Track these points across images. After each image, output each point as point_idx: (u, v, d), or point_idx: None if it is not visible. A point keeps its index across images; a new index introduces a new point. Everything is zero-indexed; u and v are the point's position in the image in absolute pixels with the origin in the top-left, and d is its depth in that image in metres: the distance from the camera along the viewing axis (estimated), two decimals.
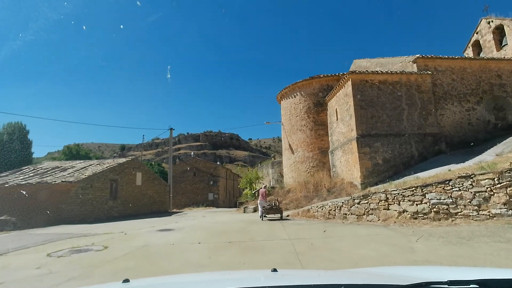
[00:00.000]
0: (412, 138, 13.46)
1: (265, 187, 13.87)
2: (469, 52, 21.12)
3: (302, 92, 18.78)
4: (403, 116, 13.69)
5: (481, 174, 6.85)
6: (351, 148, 13.62)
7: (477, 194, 6.85)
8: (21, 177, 16.94)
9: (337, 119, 15.82)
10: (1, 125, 30.56)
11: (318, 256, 5.17)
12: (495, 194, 6.63)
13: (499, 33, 18.69)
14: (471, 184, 6.93)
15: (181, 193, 37.14)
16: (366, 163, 12.96)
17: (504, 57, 16.55)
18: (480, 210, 6.78)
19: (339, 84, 14.99)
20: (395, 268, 2.08)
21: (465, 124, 14.54)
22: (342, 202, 9.76)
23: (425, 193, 7.62)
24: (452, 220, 7.09)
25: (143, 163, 24.47)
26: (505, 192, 6.48)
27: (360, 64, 19.96)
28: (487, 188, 6.74)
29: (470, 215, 6.89)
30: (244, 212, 17.57)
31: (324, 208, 10.55)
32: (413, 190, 7.84)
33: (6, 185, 15.23)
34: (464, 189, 7.04)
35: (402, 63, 15.93)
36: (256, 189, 21.07)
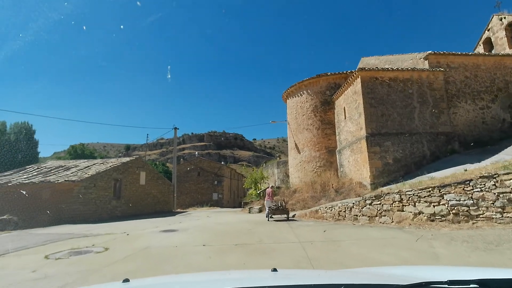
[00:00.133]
0: (424, 137, 12.97)
1: (271, 187, 13.48)
2: (480, 50, 20.47)
3: (308, 91, 18.37)
4: (414, 115, 13.20)
5: (506, 174, 6.39)
6: (360, 147, 13.18)
7: (501, 195, 6.39)
8: (25, 176, 16.80)
9: (345, 118, 15.38)
10: (8, 125, 30.80)
11: (333, 261, 4.79)
12: None
13: None
14: (494, 185, 6.48)
15: (185, 193, 36.93)
16: (376, 162, 12.50)
17: None
18: (504, 213, 6.32)
19: (348, 82, 14.56)
20: (395, 268, 2.04)
21: (479, 123, 14.01)
22: (353, 203, 9.34)
23: (443, 194, 7.17)
24: (473, 223, 6.64)
25: (147, 163, 24.26)
26: None
27: (368, 62, 19.49)
28: None
29: (493, 218, 6.44)
30: (249, 212, 17.21)
31: (333, 209, 10.14)
32: (429, 191, 7.40)
33: (9, 184, 15.08)
34: (486, 189, 6.58)
35: (413, 60, 15.44)
36: (261, 189, 20.72)
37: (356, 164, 13.82)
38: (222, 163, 49.47)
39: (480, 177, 6.73)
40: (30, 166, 20.00)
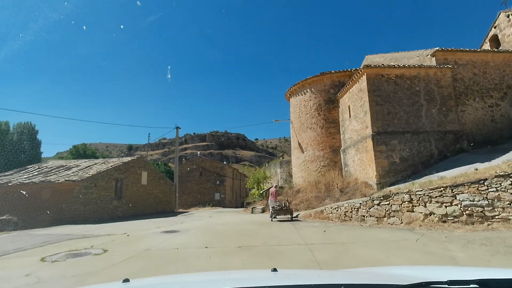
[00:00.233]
0: (432, 136, 12.64)
1: (275, 186, 13.19)
2: (486, 47, 19.99)
3: (312, 89, 18.07)
4: (421, 113, 12.87)
5: None
6: (366, 146, 12.87)
7: None
8: (25, 176, 16.64)
9: (350, 116, 15.07)
10: (11, 125, 30.82)
11: (342, 265, 4.50)
12: None
13: None
14: (511, 184, 6.16)
15: (187, 193, 36.71)
16: (382, 162, 12.19)
17: None
18: None
19: (353, 79, 14.25)
20: (395, 268, 2.04)
21: (488, 121, 13.65)
22: (360, 203, 9.04)
23: (456, 194, 6.86)
24: (488, 224, 6.33)
25: (149, 162, 24.06)
26: None
27: (373, 59, 19.13)
28: None
29: (509, 219, 6.13)
30: (252, 212, 16.95)
31: (339, 210, 9.84)
32: (441, 191, 7.08)
33: (9, 184, 14.92)
34: (502, 189, 6.27)
35: (419, 57, 15.10)
36: (264, 189, 20.44)
37: (361, 163, 13.51)
38: (224, 162, 49.23)
39: (496, 176, 6.42)
40: (31, 166, 19.85)
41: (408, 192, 7.81)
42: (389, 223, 8.07)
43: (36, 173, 17.24)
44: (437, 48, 13.98)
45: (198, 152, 66.00)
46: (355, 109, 14.27)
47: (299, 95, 19.02)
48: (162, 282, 1.81)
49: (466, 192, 6.71)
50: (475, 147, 12.71)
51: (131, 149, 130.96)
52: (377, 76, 13.01)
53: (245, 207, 20.84)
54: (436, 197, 7.19)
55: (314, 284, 1.23)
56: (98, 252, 6.21)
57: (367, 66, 13.12)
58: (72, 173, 16.29)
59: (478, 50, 14.72)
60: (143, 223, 12.78)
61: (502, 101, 13.85)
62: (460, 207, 6.77)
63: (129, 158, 20.34)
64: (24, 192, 13.82)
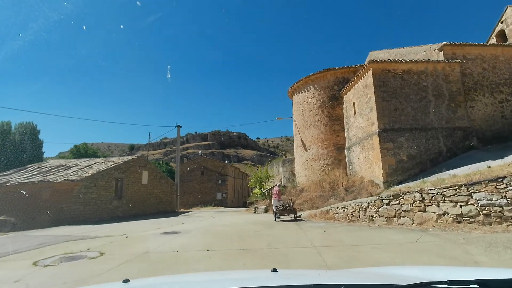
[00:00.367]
0: (440, 133, 12.23)
1: (278, 185, 12.84)
2: (493, 43, 19.59)
3: (315, 86, 17.69)
4: (429, 109, 12.47)
5: None
6: (372, 144, 12.48)
7: None
8: (24, 176, 16.36)
9: (354, 113, 14.69)
10: (13, 125, 30.70)
11: None
12: None
13: None
14: None
15: (189, 193, 36.41)
16: (389, 159, 11.80)
17: None
18: None
19: (358, 75, 13.85)
20: (395, 268, 2.01)
21: (498, 117, 13.23)
22: (368, 203, 8.67)
23: (472, 192, 6.47)
24: (508, 225, 5.95)
25: (150, 162, 23.76)
26: None
27: (377, 56, 18.70)
28: None
29: None
30: (255, 212, 16.61)
31: (346, 209, 9.47)
32: (456, 189, 6.70)
33: (7, 184, 14.64)
34: None
35: (426, 52, 14.68)
36: (266, 188, 20.09)
37: (367, 161, 13.13)
38: (226, 162, 48.90)
39: None
40: (30, 166, 19.58)
41: (419, 191, 7.43)
42: (399, 224, 7.69)
43: (35, 173, 16.96)
44: (445, 42, 13.56)
45: (200, 151, 65.70)
46: (360, 105, 13.88)
47: (302, 92, 18.64)
48: (162, 282, 1.82)
49: (483, 190, 6.32)
50: (485, 144, 12.31)
51: (132, 148, 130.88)
52: (383, 71, 12.61)
53: (248, 207, 20.48)
54: (450, 196, 6.80)
55: (314, 284, 1.23)
56: (94, 256, 5.89)
57: (373, 61, 12.73)
58: (72, 172, 16.00)
59: (488, 44, 14.32)
60: (143, 223, 12.47)
61: None
62: (477, 206, 6.39)
63: (129, 157, 20.03)
64: (24, 192, 13.53)
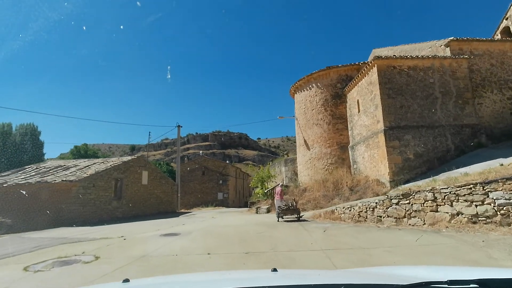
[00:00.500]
0: (448, 130, 11.88)
1: (281, 185, 12.50)
2: (501, 38, 19.21)
3: (318, 84, 17.34)
4: (436, 106, 12.11)
5: None
6: (377, 142, 12.13)
7: None
8: (22, 177, 16.08)
9: (358, 111, 14.34)
10: (13, 126, 30.59)
11: None
12: None
13: None
14: None
15: (190, 193, 36.10)
16: (395, 158, 11.45)
17: None
18: None
19: (362, 72, 13.51)
20: (395, 268, 2.00)
21: (506, 114, 12.87)
22: (376, 203, 8.32)
23: (488, 191, 6.12)
24: None
25: (150, 162, 23.46)
26: None
27: (381, 53, 18.34)
28: None
29: None
30: (257, 212, 16.27)
31: (352, 209, 9.12)
32: (470, 188, 6.35)
33: (4, 185, 14.34)
34: None
35: (432, 48, 14.33)
36: (268, 188, 19.76)
37: (372, 160, 12.78)
38: (227, 162, 48.58)
39: None
40: (29, 166, 19.30)
41: (431, 190, 7.08)
42: (409, 224, 7.35)
43: (33, 174, 16.67)
44: (452, 37, 13.21)
45: (201, 152, 65.42)
46: (365, 103, 13.54)
47: (304, 91, 18.30)
48: (162, 281, 1.81)
49: (500, 189, 5.97)
50: (494, 142, 11.97)
51: (133, 149, 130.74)
52: (388, 67, 12.27)
53: (249, 207, 20.14)
54: (464, 195, 6.45)
55: (314, 284, 1.22)
56: (89, 260, 5.56)
57: (378, 57, 12.38)
58: (70, 173, 15.70)
59: (496, 39, 13.96)
60: (142, 224, 12.16)
61: None
62: (494, 206, 6.04)
63: (129, 157, 19.73)
64: (24, 192, 13.22)
